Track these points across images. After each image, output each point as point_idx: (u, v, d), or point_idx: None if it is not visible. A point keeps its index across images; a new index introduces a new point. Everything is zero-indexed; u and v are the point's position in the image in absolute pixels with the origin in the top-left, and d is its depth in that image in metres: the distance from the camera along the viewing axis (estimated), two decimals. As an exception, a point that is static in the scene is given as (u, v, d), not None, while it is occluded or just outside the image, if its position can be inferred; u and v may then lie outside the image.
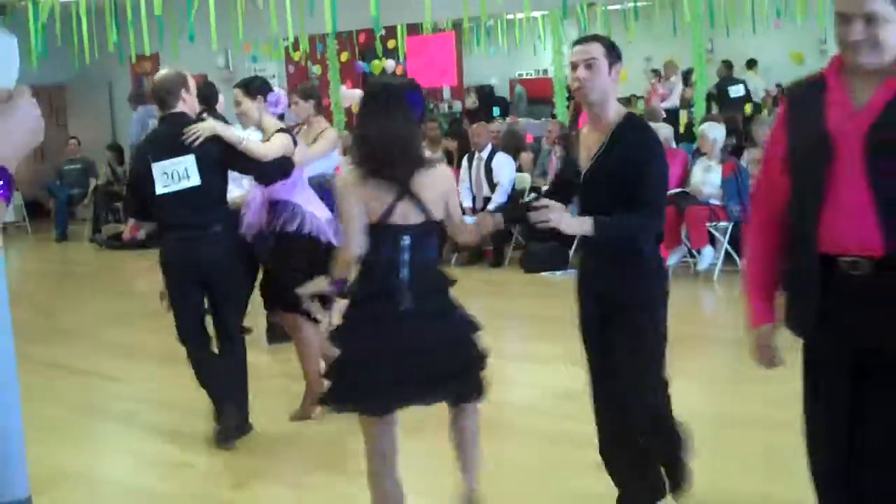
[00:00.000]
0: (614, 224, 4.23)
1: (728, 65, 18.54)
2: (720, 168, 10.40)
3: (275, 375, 7.11)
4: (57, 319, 10.23)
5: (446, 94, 20.60)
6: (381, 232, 3.95)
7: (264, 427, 6.37)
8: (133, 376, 7.65)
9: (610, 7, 15.81)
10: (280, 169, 6.07)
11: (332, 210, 7.32)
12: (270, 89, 6.44)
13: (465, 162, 11.93)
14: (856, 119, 3.13)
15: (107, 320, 9.87)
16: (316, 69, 17.02)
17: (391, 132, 3.94)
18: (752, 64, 18.54)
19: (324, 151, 7.84)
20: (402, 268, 3.97)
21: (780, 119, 3.45)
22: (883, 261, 3.08)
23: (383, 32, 15.10)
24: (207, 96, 8.08)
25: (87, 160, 16.92)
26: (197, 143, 5.81)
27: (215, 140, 5.85)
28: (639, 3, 15.18)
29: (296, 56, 15.83)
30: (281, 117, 6.49)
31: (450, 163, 11.74)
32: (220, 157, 5.90)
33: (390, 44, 16.42)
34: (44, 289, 12.49)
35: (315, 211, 6.49)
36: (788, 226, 3.36)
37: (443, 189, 4.11)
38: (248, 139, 5.98)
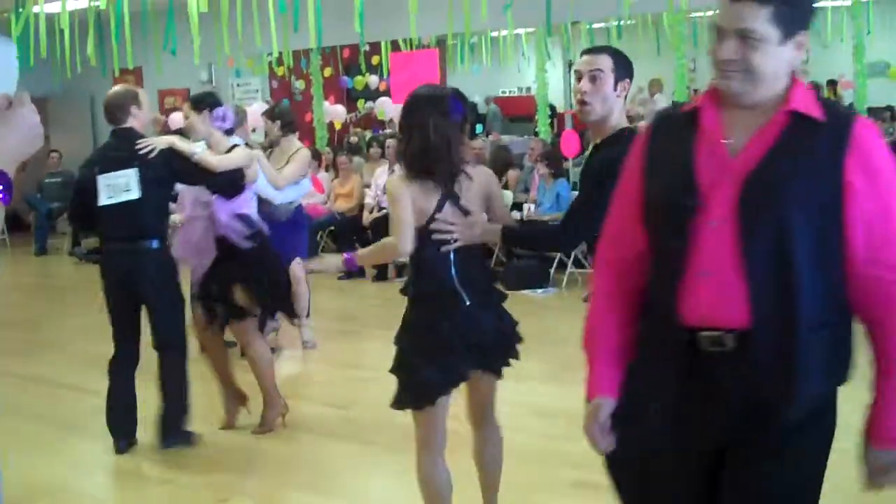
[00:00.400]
0: (519, 234, 4.31)
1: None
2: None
3: (254, 394, 7.07)
4: (37, 333, 10.17)
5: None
6: (431, 233, 4.11)
7: (237, 443, 6.36)
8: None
9: (594, 26, 15.86)
10: (231, 182, 6.16)
11: (288, 238, 7.44)
12: (219, 104, 6.54)
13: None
14: (730, 165, 2.59)
15: (87, 334, 9.79)
16: (299, 84, 17.03)
17: (435, 136, 4.06)
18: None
19: (295, 174, 7.83)
20: (451, 266, 4.11)
21: (637, 154, 2.85)
22: (747, 336, 2.57)
23: (367, 48, 15.11)
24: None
25: (69, 173, 16.83)
26: (151, 155, 5.89)
27: (167, 153, 5.92)
28: (622, 22, 15.25)
29: (279, 71, 15.83)
30: (229, 132, 6.53)
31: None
32: (169, 172, 5.99)
33: (374, 59, 16.43)
34: (23, 302, 12.42)
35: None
36: (642, 286, 2.83)
37: (484, 190, 4.22)
38: (203, 151, 6.04)
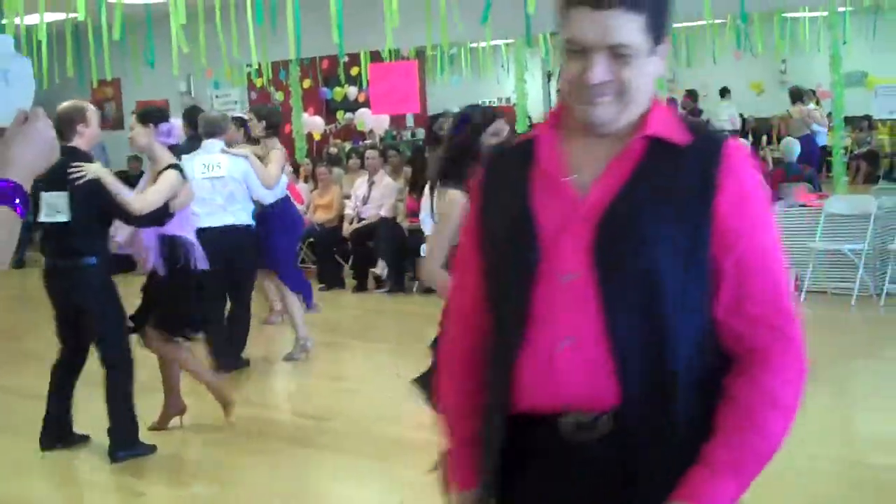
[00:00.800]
0: None
1: (693, 96, 18.68)
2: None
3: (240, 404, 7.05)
4: (16, 344, 10.11)
5: (409, 121, 20.65)
6: None
7: (216, 454, 6.34)
8: (90, 402, 7.57)
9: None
10: (153, 219, 6.21)
11: (282, 234, 7.58)
12: (165, 119, 6.58)
13: (426, 190, 11.93)
14: (579, 205, 2.11)
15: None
16: (278, 95, 17.02)
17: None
18: (724, 92, 18.71)
19: (279, 173, 8.03)
20: None
21: (472, 201, 2.37)
22: (619, 414, 2.08)
23: (347, 59, 15.10)
24: (192, 119, 8.47)
25: (47, 185, 16.78)
26: (78, 182, 5.90)
27: (95, 182, 5.94)
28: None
29: (258, 82, 15.81)
30: (173, 147, 6.55)
31: (411, 191, 11.77)
32: (97, 199, 5.97)
33: (353, 71, 16.43)
34: (2, 314, 12.35)
35: (194, 239, 6.67)
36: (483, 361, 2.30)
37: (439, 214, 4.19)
38: (125, 193, 6.04)
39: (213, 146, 7.81)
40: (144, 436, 6.40)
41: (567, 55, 2.11)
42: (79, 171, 5.93)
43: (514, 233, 2.15)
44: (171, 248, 6.47)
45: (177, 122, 7.68)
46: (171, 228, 6.42)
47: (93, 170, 5.96)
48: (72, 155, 5.98)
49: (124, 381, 6.23)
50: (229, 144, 8.30)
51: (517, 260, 2.13)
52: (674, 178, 2.10)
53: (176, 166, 6.30)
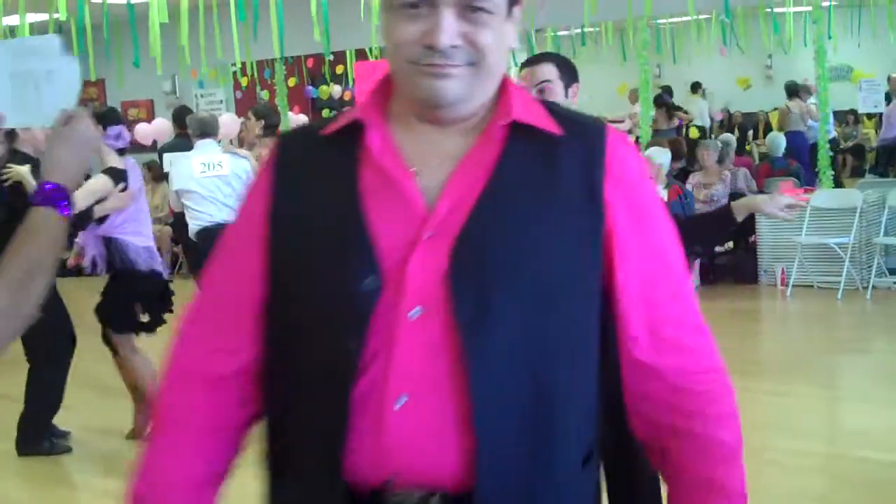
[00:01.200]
0: None
1: (667, 91, 18.70)
2: (666, 192, 10.45)
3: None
4: (-1, 348, 10.08)
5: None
6: None
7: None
8: (76, 405, 7.54)
9: (560, 33, 15.91)
10: (77, 221, 6.21)
11: None
12: (115, 123, 6.53)
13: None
14: (428, 216, 1.59)
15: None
16: (264, 94, 16.99)
17: None
18: (696, 87, 18.73)
19: None
20: None
21: (252, 205, 1.73)
22: (469, 498, 1.54)
23: (332, 58, 15.09)
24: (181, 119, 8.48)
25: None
26: (6, 183, 5.94)
27: (19, 184, 5.96)
28: (587, 29, 15.30)
29: (244, 81, 15.77)
30: (121, 151, 6.52)
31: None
32: (20, 200, 5.98)
33: (338, 69, 16.41)
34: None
35: (138, 241, 6.56)
36: (253, 419, 1.88)
37: None
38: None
39: (207, 146, 7.82)
40: (124, 444, 6.42)
41: (399, 15, 1.59)
42: (7, 173, 5.96)
43: (341, 252, 1.60)
44: (109, 250, 6.40)
45: (162, 121, 7.65)
46: (110, 230, 6.37)
47: (16, 171, 5.96)
48: (12, 155, 6.06)
49: (48, 380, 6.32)
50: (247, 146, 8.34)
51: (347, 289, 1.57)
52: (551, 177, 1.63)
53: (111, 171, 6.23)
